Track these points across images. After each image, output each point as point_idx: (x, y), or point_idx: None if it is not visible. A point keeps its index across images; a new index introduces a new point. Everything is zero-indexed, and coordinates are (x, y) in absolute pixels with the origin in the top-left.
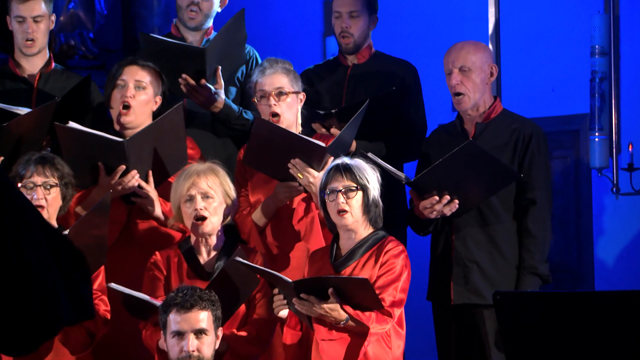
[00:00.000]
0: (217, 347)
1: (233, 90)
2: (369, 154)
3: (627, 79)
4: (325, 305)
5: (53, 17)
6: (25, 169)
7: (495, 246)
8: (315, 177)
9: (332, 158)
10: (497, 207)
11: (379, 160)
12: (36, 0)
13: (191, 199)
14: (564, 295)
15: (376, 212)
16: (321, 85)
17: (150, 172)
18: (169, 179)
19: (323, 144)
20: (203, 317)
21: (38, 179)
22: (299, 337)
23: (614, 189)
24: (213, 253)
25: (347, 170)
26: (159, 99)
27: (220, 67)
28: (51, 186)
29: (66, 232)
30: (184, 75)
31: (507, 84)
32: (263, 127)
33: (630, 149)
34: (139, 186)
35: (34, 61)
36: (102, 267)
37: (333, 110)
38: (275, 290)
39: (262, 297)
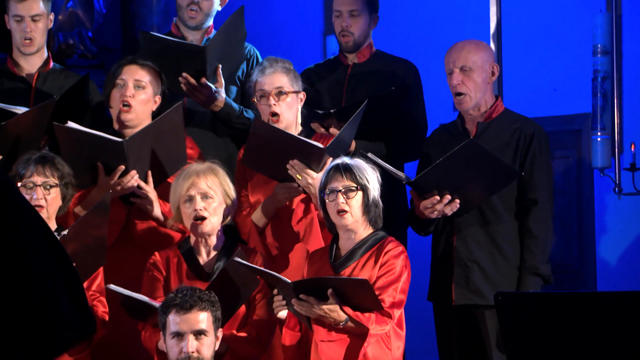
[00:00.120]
0: (217, 348)
1: (233, 89)
2: (369, 154)
3: (630, 78)
4: (324, 306)
5: (51, 16)
6: (25, 168)
7: (496, 246)
8: (314, 178)
9: (330, 159)
10: (498, 207)
11: (379, 160)
12: None
13: (190, 199)
14: (565, 296)
15: (376, 213)
16: (321, 84)
17: (150, 172)
18: (168, 179)
19: (321, 145)
20: (202, 318)
21: (38, 179)
22: (298, 338)
23: (616, 189)
24: (213, 253)
25: (347, 170)
26: (158, 99)
27: (220, 66)
28: (51, 186)
29: (65, 232)
30: (184, 74)
31: (508, 83)
32: (261, 128)
33: (632, 149)
34: (138, 186)
35: (32, 60)
36: (101, 268)
37: (332, 110)
38: (275, 291)
39: (262, 298)
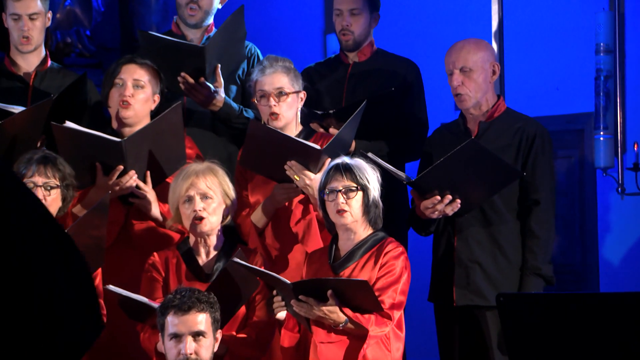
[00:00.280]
0: (215, 349)
1: (233, 88)
2: (369, 154)
3: (632, 77)
4: (324, 308)
5: (49, 15)
6: (26, 168)
7: (498, 247)
8: (311, 179)
9: (329, 159)
10: (500, 208)
11: (379, 160)
12: None
13: (190, 199)
14: (568, 297)
15: (376, 213)
16: (321, 83)
17: (148, 173)
18: (167, 180)
19: (318, 147)
20: (201, 320)
21: (39, 179)
22: (297, 339)
23: (619, 189)
24: (212, 254)
25: (347, 170)
26: (157, 98)
27: (219, 65)
28: (52, 187)
29: None
30: (182, 74)
31: (510, 82)
32: (257, 129)
33: (635, 148)
34: (137, 186)
35: (29, 59)
36: (99, 269)
37: (331, 111)
38: (274, 292)
39: (262, 299)
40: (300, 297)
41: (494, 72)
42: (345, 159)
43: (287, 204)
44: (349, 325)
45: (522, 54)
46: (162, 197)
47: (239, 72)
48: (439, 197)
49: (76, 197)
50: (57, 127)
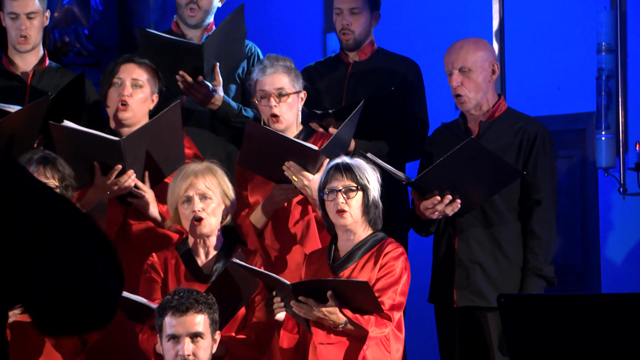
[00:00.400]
0: (214, 350)
1: (233, 87)
2: (368, 155)
3: (634, 77)
4: (324, 309)
5: (47, 14)
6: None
7: (499, 247)
8: (310, 179)
9: (327, 160)
10: (501, 208)
11: (379, 161)
12: None
13: (189, 200)
14: (569, 298)
15: (376, 213)
16: (321, 82)
17: (147, 172)
18: (165, 180)
19: (315, 147)
20: (199, 321)
21: None
22: (296, 340)
23: (621, 189)
24: (211, 255)
25: (347, 169)
26: (155, 97)
27: (218, 64)
28: None
29: None
30: (181, 72)
31: (511, 81)
32: (255, 129)
33: (637, 148)
34: (136, 186)
35: (27, 58)
36: None
37: (331, 110)
38: (273, 293)
39: (261, 300)
40: (300, 298)
41: (493, 72)
42: (345, 159)
43: (285, 204)
44: (349, 326)
45: (523, 53)
46: (161, 198)
47: (238, 71)
48: (438, 198)
49: (75, 198)
50: (55, 126)
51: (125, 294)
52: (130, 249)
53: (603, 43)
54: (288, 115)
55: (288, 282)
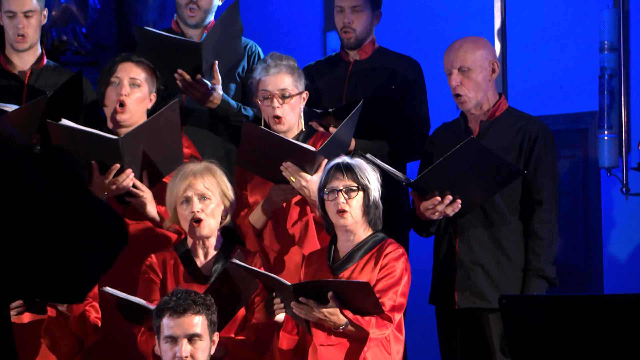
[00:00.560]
0: (212, 352)
1: (232, 86)
2: (368, 155)
3: (637, 76)
4: (324, 310)
5: (45, 12)
6: None
7: (500, 248)
8: (307, 180)
9: (325, 160)
10: (502, 208)
11: (378, 161)
12: None
13: (187, 200)
14: (571, 299)
15: (376, 214)
16: (322, 81)
17: (145, 172)
18: (164, 179)
19: (313, 148)
20: (197, 322)
21: None
22: (295, 341)
23: (624, 189)
24: (210, 255)
25: (347, 169)
26: (153, 96)
27: (217, 62)
28: None
29: None
30: (179, 71)
31: (513, 80)
32: (252, 130)
33: None
34: (134, 185)
35: (25, 57)
36: None
37: (330, 110)
38: (273, 294)
39: (261, 301)
40: (300, 299)
41: (493, 71)
42: (345, 159)
43: (284, 205)
44: (349, 327)
45: (525, 52)
46: (159, 199)
47: (238, 70)
48: (439, 198)
49: None
50: (52, 125)
51: (123, 295)
52: (128, 249)
53: (606, 42)
54: (290, 117)
55: (288, 283)
